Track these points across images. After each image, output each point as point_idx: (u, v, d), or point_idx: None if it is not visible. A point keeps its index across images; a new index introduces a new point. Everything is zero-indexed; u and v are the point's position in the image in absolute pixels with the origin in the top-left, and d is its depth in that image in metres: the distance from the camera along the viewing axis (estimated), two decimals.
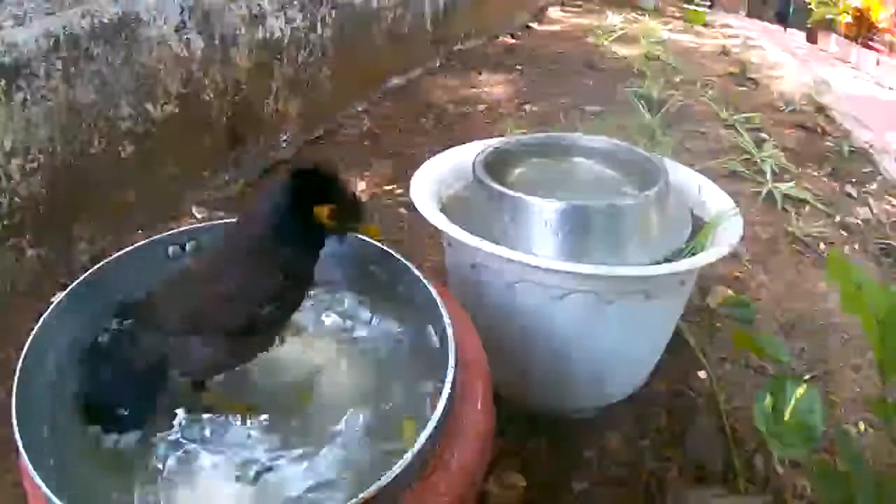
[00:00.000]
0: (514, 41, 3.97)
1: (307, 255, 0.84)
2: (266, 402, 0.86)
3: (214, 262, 0.85)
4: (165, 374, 0.81)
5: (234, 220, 0.90)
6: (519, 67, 3.43)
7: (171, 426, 0.82)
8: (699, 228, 1.20)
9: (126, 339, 0.81)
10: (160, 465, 0.78)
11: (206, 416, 0.83)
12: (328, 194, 0.82)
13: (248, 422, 0.83)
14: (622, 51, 3.83)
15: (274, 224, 0.81)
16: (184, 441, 0.81)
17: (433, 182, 1.28)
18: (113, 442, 0.78)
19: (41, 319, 0.82)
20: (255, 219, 0.83)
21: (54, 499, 0.63)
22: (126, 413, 0.78)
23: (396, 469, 0.65)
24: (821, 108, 3.17)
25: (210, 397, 0.84)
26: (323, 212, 0.82)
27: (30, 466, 0.66)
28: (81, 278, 0.89)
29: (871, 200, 2.36)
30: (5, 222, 1.47)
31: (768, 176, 2.31)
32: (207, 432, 0.82)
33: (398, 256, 0.96)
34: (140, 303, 0.83)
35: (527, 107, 2.89)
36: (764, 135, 2.69)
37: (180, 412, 0.83)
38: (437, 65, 3.32)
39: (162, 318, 0.81)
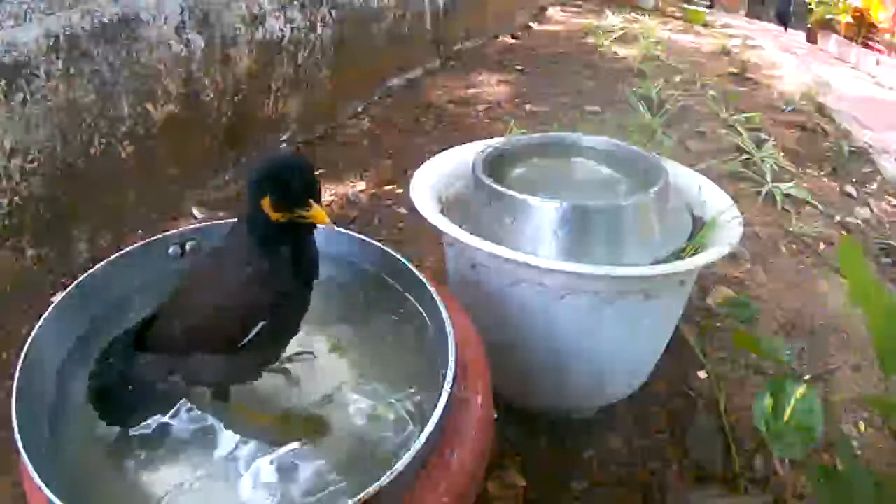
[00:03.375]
0: (514, 41, 3.97)
1: (292, 254, 0.78)
2: (271, 400, 0.86)
3: (210, 274, 0.82)
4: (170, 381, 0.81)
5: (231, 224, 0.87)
6: (519, 67, 3.43)
7: (174, 425, 0.82)
8: (699, 228, 1.20)
9: (130, 356, 0.80)
10: (162, 464, 0.78)
11: (208, 414, 0.83)
12: (269, 186, 0.74)
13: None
14: (622, 51, 3.83)
15: (249, 227, 0.77)
16: (186, 440, 0.81)
17: (433, 182, 1.27)
18: (117, 434, 0.79)
19: (41, 319, 0.82)
20: (240, 224, 0.81)
21: (54, 499, 0.63)
22: (133, 412, 0.79)
23: (396, 469, 0.65)
24: (821, 108, 3.17)
25: (234, 408, 0.83)
26: (265, 204, 0.74)
27: (30, 466, 0.66)
28: (81, 278, 0.89)
29: (871, 200, 2.36)
30: (5, 222, 1.47)
31: (768, 176, 2.31)
32: (210, 430, 0.82)
33: (398, 257, 0.96)
34: (147, 321, 0.81)
35: (527, 107, 2.89)
36: (764, 135, 2.69)
37: (183, 412, 0.83)
38: (437, 65, 3.32)
39: (166, 336, 0.79)
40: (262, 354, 0.82)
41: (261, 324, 0.77)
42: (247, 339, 0.77)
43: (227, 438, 0.81)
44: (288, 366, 0.90)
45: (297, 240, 0.78)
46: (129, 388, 0.79)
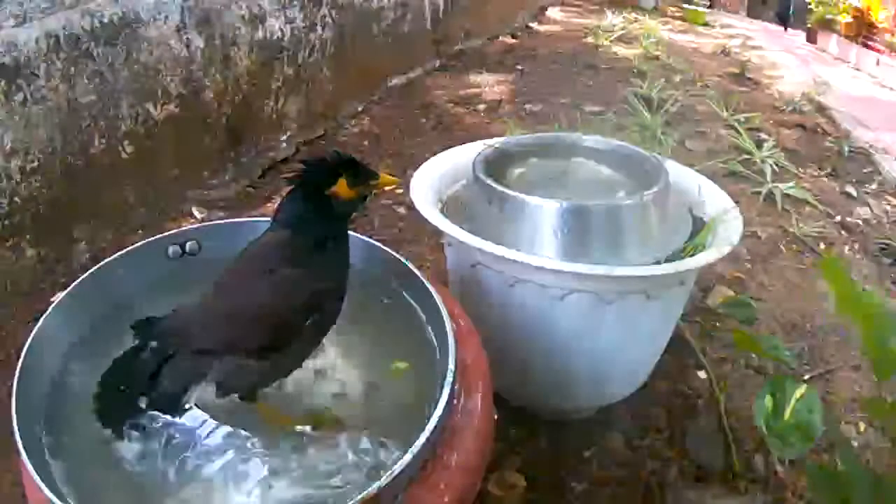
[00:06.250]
0: (514, 41, 3.97)
1: (336, 247, 0.83)
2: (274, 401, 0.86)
3: (245, 277, 0.82)
4: (188, 388, 0.80)
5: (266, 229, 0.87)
6: (519, 67, 3.43)
7: (179, 425, 0.81)
8: (699, 228, 1.20)
9: (154, 358, 0.78)
10: (165, 464, 0.78)
11: (214, 421, 0.83)
12: (335, 173, 0.82)
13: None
14: (622, 51, 3.83)
15: (298, 223, 0.81)
16: (192, 441, 0.80)
17: (433, 182, 1.27)
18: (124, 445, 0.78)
19: (41, 319, 0.82)
20: (281, 225, 0.82)
21: (54, 499, 0.63)
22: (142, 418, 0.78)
23: (397, 469, 0.65)
24: (821, 108, 3.17)
25: (262, 409, 0.83)
26: (341, 187, 0.81)
27: (30, 466, 0.66)
28: (81, 278, 0.89)
29: (871, 200, 2.36)
30: (5, 222, 1.47)
31: (768, 176, 2.31)
32: (215, 432, 0.82)
33: (398, 256, 0.96)
34: (170, 321, 0.80)
35: (527, 107, 2.89)
36: (764, 135, 2.69)
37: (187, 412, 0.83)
38: (437, 65, 3.32)
39: (195, 338, 0.79)
40: (309, 348, 0.84)
41: (314, 316, 0.80)
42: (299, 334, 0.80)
43: (239, 438, 0.81)
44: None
45: (342, 231, 0.84)
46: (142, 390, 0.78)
